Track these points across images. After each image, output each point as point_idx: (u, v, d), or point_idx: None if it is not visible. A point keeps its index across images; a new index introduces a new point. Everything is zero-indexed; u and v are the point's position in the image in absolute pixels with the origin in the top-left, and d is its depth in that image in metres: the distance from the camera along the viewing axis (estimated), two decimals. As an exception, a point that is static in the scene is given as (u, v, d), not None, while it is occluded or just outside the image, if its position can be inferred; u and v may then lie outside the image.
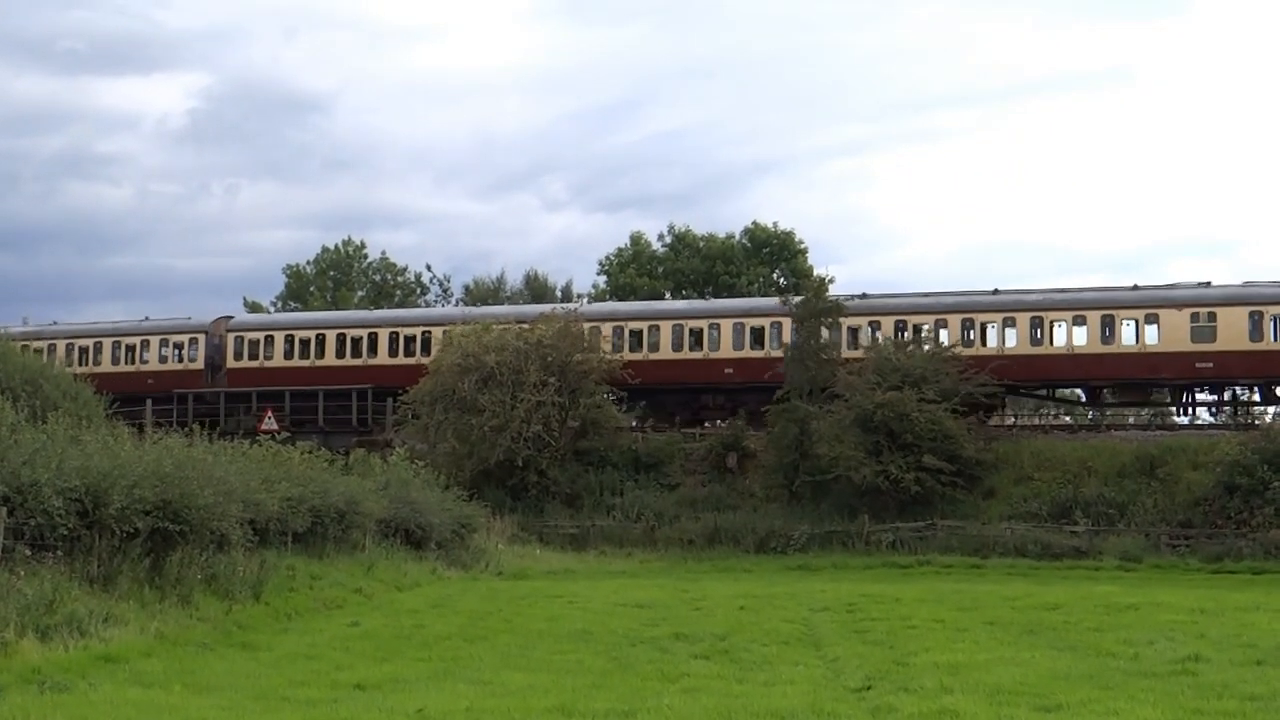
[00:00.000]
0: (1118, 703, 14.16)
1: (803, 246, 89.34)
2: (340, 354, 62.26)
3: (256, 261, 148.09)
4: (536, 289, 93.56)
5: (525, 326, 56.22)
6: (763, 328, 57.35)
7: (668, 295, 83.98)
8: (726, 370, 57.23)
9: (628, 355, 57.30)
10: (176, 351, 65.22)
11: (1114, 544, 45.33)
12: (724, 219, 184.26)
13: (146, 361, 64.81)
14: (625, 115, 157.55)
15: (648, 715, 13.50)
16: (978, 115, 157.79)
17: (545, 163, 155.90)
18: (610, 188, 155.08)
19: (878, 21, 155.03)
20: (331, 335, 63.12)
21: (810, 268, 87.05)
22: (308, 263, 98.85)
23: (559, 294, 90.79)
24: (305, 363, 62.77)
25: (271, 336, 64.86)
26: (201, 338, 64.71)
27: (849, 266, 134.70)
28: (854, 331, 55.69)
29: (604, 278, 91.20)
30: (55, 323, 69.98)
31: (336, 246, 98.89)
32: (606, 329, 58.83)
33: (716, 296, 76.76)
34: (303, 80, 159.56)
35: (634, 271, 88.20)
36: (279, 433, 44.94)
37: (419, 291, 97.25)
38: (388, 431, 57.35)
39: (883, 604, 27.68)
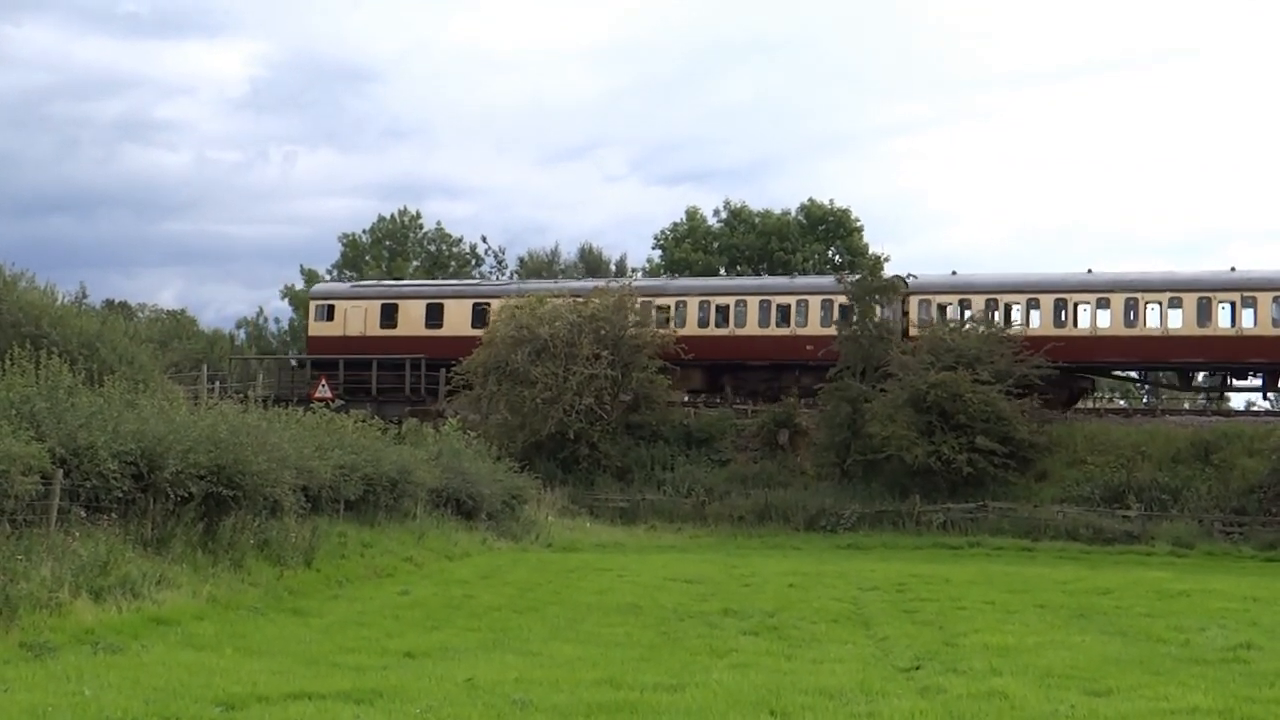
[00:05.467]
0: (1168, 689, 14.03)
1: (859, 224, 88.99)
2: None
3: (313, 230, 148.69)
4: (591, 263, 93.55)
5: (579, 299, 56.23)
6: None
7: (722, 271, 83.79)
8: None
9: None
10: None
11: (1166, 530, 44.97)
12: (781, 195, 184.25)
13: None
14: (684, 89, 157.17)
15: (696, 689, 13.46)
16: (1031, 96, 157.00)
17: (603, 135, 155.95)
18: (668, 161, 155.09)
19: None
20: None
21: (866, 245, 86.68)
22: (364, 232, 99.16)
23: (613, 268, 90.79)
24: None
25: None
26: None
27: (903, 246, 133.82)
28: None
29: (659, 252, 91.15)
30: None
31: (392, 216, 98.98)
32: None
33: (771, 274, 76.42)
34: (362, 49, 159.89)
35: (689, 246, 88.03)
36: (332, 401, 45.15)
37: (474, 263, 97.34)
38: (440, 402, 57.52)
39: (932, 584, 27.60)
